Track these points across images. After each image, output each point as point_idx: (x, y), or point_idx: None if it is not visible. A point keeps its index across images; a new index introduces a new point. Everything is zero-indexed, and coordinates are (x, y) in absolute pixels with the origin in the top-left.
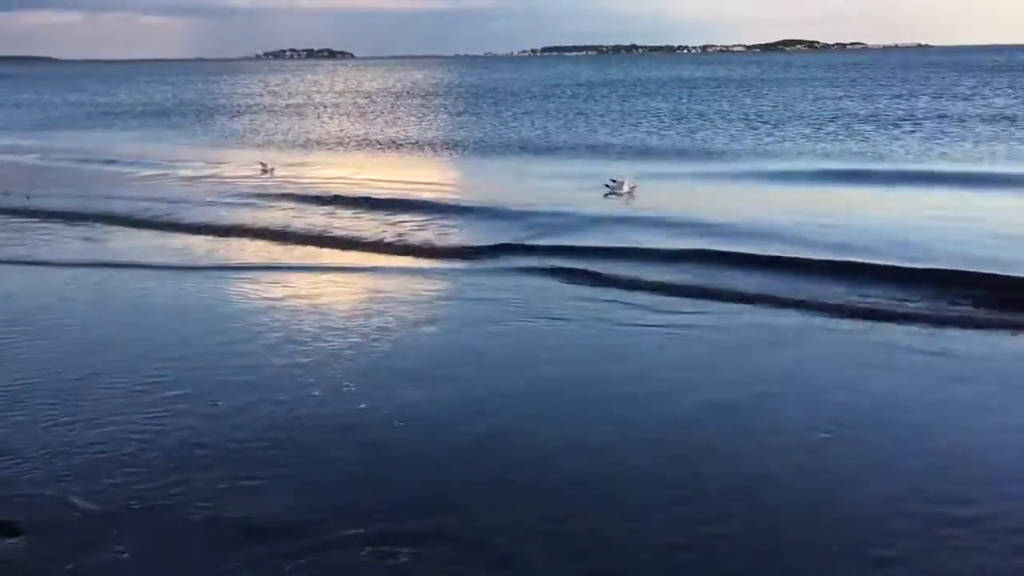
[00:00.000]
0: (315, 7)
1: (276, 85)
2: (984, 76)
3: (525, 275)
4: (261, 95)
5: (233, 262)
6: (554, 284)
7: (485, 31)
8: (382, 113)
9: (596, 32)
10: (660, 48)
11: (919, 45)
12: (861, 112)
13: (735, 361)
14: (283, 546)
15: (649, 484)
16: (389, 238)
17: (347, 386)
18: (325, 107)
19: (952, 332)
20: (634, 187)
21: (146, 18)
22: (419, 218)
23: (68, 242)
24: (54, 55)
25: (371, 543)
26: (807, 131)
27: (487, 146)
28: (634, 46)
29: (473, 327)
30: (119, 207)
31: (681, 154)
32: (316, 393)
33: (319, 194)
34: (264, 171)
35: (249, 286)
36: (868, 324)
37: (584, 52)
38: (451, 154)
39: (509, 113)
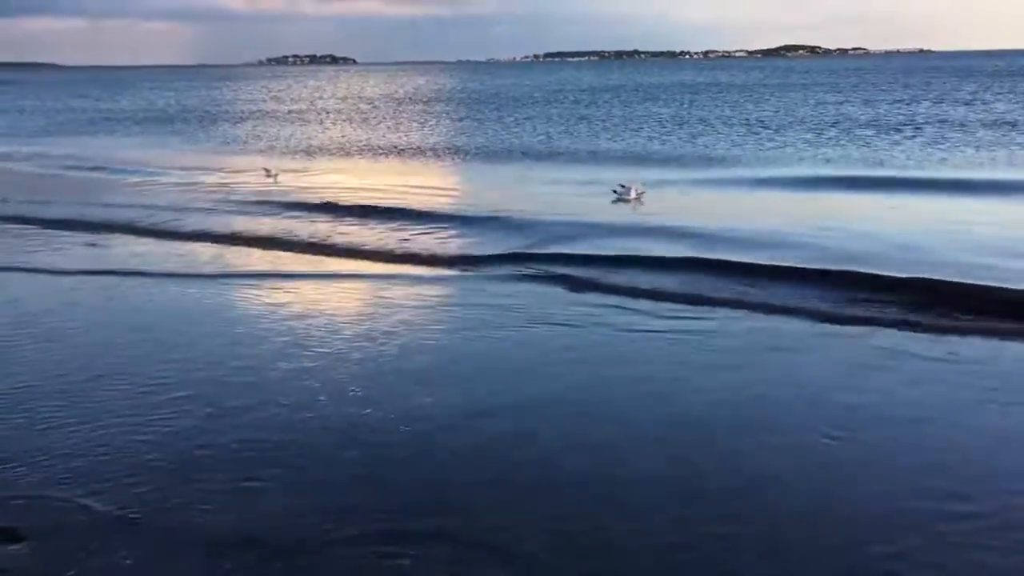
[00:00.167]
0: (317, 13)
1: (279, 91)
2: (985, 81)
3: (530, 282)
4: (264, 101)
5: (241, 268)
6: (558, 291)
7: (487, 36)
8: (385, 119)
9: (598, 37)
10: (662, 53)
11: (920, 50)
12: (862, 117)
13: (735, 363)
14: (285, 547)
15: (650, 484)
16: (392, 245)
17: (353, 390)
18: (328, 113)
19: (951, 338)
20: (642, 193)
21: (149, 24)
22: (424, 226)
23: (72, 249)
24: (57, 61)
25: (374, 544)
26: (808, 136)
27: (489, 152)
28: (636, 51)
29: (476, 332)
30: (123, 215)
31: (684, 159)
32: (322, 398)
33: (322, 201)
34: (268, 176)
35: (255, 292)
36: (867, 329)
37: (586, 57)
38: (454, 160)
39: (511, 119)
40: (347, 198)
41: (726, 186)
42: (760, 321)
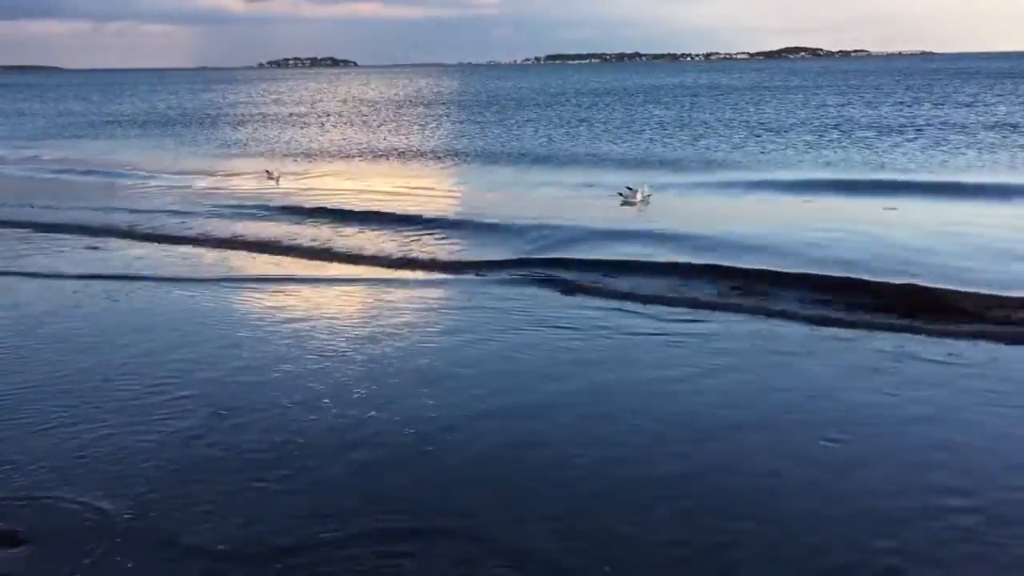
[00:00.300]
0: (318, 15)
1: (279, 93)
2: (987, 83)
3: (533, 286)
4: (264, 103)
5: (244, 272)
6: (561, 295)
7: (488, 39)
8: (385, 122)
9: (599, 39)
10: (663, 56)
11: (922, 52)
12: (863, 119)
13: (736, 366)
14: (289, 548)
15: (653, 483)
16: (394, 249)
17: (357, 392)
18: (328, 116)
19: (950, 341)
20: (648, 195)
21: (150, 27)
22: (426, 229)
23: (75, 253)
24: (59, 64)
25: (380, 544)
26: (810, 138)
27: (491, 154)
28: (637, 54)
29: (480, 336)
30: (126, 219)
31: (685, 162)
32: (326, 400)
33: (323, 204)
34: (270, 178)
35: (257, 295)
36: (867, 333)
37: (588, 60)
38: (455, 162)
39: (512, 121)
40: (348, 201)
41: (727, 189)
42: (760, 324)
